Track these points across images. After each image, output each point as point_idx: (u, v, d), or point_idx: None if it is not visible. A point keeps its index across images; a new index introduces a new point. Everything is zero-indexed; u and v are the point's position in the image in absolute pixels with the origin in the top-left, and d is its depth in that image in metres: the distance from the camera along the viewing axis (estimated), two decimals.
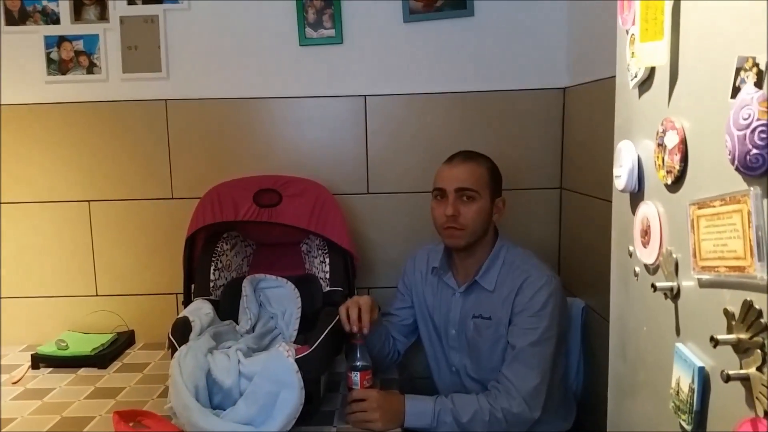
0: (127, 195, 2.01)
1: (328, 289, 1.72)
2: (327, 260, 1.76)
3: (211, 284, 1.69)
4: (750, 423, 0.68)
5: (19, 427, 1.44)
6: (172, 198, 2.01)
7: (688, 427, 0.82)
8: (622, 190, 1.04)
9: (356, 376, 1.49)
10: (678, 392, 0.84)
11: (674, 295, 0.88)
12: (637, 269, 1.01)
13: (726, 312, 0.73)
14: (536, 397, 1.47)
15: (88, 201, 2.01)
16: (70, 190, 2.01)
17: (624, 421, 1.11)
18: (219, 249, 1.75)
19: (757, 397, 0.67)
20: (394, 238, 2.02)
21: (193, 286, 1.73)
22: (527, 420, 1.47)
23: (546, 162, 1.99)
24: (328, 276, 1.74)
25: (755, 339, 0.67)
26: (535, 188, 2.00)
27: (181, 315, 1.52)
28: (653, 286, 0.89)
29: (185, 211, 1.81)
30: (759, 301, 0.67)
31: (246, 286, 1.70)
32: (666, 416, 0.89)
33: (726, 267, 0.72)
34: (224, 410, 1.29)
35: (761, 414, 0.66)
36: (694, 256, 0.79)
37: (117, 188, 2.01)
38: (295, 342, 1.61)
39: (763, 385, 0.66)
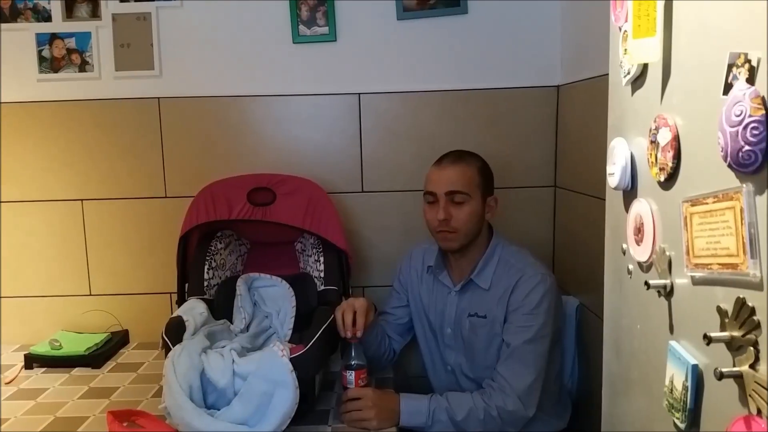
0: (121, 194, 2.00)
1: (322, 288, 1.71)
2: (321, 259, 1.75)
3: (205, 283, 1.68)
4: (743, 421, 0.68)
5: (12, 428, 1.44)
6: (166, 197, 2.00)
7: (681, 425, 0.82)
8: (616, 188, 1.04)
9: (351, 375, 1.49)
10: (672, 390, 0.83)
11: (667, 292, 0.88)
12: (631, 267, 1.01)
13: (719, 309, 0.73)
14: (531, 395, 1.47)
15: (81, 200, 2.00)
16: (63, 189, 2.00)
17: (618, 419, 1.11)
18: (213, 248, 1.74)
19: (750, 395, 0.67)
20: (389, 236, 2.02)
21: (187, 285, 1.72)
22: (522, 418, 1.47)
23: (540, 160, 1.99)
24: (322, 275, 1.73)
25: (748, 336, 0.67)
26: (529, 186, 2.00)
27: (175, 314, 1.52)
28: (646, 283, 0.89)
29: (179, 210, 1.80)
30: (752, 298, 0.67)
31: (240, 285, 1.69)
32: (660, 414, 0.88)
33: (719, 264, 0.72)
34: (218, 410, 1.29)
35: (754, 412, 0.66)
36: (688, 253, 0.79)
37: (110, 187, 2.00)
38: (289, 341, 1.60)
39: (756, 382, 0.66)
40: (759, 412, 0.66)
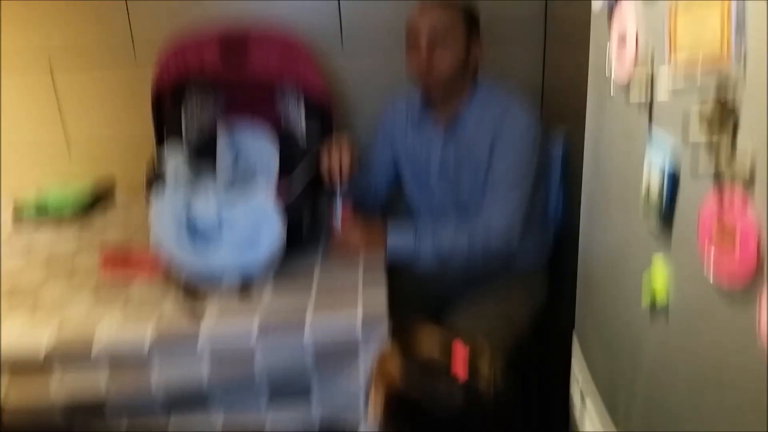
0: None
1: (305, 146, 1.68)
2: (303, 114, 1.70)
3: (184, 138, 1.65)
4: (712, 198, 0.68)
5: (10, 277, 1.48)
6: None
7: (656, 231, 0.84)
8: None
9: (338, 211, 1.52)
10: (648, 198, 0.84)
11: (648, 104, 0.86)
12: (613, 89, 0.99)
13: (699, 114, 0.71)
14: (514, 229, 1.51)
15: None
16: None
17: (596, 239, 1.14)
18: (189, 105, 1.69)
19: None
20: (371, 95, 1.95)
21: (165, 144, 1.68)
22: (505, 251, 1.53)
23: None
24: (304, 134, 1.69)
25: (726, 138, 0.66)
26: None
27: (156, 171, 1.50)
28: (627, 97, 0.87)
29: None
30: (732, 98, 0.65)
31: (221, 138, 1.66)
32: (636, 229, 0.90)
33: (702, 57, 0.69)
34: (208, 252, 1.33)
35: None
36: (670, 48, 0.76)
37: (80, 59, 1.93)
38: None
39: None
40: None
